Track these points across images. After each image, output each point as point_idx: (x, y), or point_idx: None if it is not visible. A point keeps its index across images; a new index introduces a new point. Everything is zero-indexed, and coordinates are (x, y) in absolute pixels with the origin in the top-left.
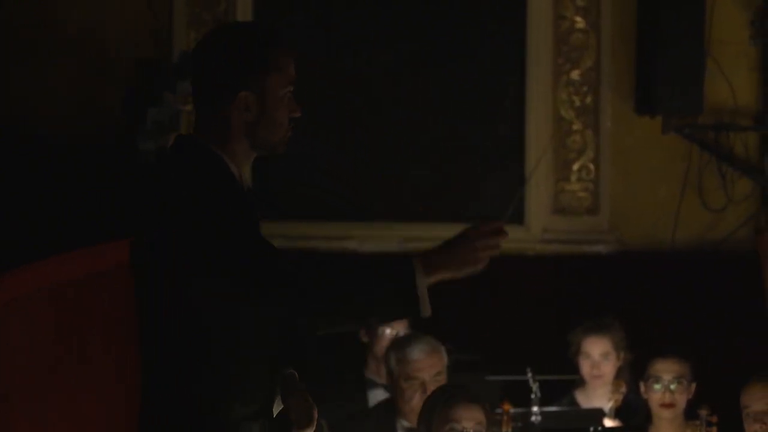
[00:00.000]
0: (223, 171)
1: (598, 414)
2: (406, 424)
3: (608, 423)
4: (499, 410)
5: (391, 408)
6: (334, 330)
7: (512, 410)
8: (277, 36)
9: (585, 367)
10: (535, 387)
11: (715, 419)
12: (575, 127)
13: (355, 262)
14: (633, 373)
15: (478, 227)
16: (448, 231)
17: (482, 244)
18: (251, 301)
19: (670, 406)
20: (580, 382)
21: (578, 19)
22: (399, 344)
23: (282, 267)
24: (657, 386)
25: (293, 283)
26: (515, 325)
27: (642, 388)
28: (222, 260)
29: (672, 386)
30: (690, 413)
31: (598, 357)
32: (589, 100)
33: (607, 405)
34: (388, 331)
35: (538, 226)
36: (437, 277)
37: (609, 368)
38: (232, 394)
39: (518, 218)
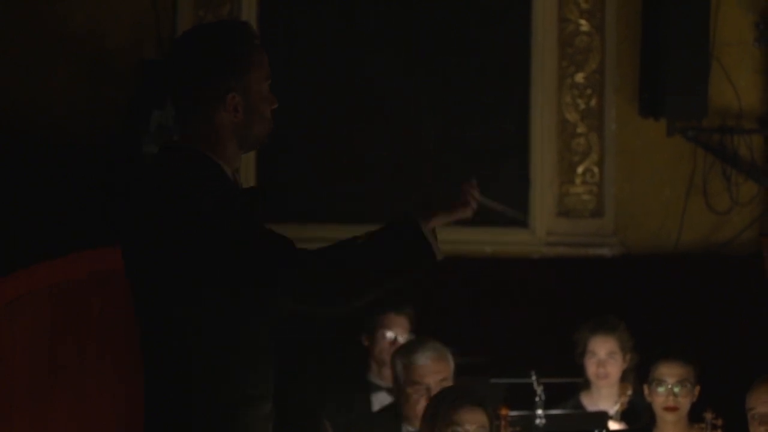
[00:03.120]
0: (219, 172)
1: (603, 417)
2: (410, 429)
3: (613, 426)
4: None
5: (396, 412)
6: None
7: (510, 414)
8: (249, 32)
9: (591, 367)
10: (539, 390)
11: (720, 422)
12: (580, 129)
13: (354, 237)
14: (637, 375)
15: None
16: (450, 233)
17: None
18: (273, 289)
19: (674, 409)
20: (584, 385)
21: (583, 21)
22: (405, 349)
23: (299, 253)
24: (661, 389)
25: (313, 264)
26: (519, 327)
27: (646, 391)
28: (236, 249)
29: (676, 389)
30: (694, 416)
31: (605, 356)
32: (593, 102)
33: (612, 408)
34: (388, 334)
35: (542, 229)
36: (435, 221)
37: (615, 368)
38: (234, 377)
39: (523, 221)
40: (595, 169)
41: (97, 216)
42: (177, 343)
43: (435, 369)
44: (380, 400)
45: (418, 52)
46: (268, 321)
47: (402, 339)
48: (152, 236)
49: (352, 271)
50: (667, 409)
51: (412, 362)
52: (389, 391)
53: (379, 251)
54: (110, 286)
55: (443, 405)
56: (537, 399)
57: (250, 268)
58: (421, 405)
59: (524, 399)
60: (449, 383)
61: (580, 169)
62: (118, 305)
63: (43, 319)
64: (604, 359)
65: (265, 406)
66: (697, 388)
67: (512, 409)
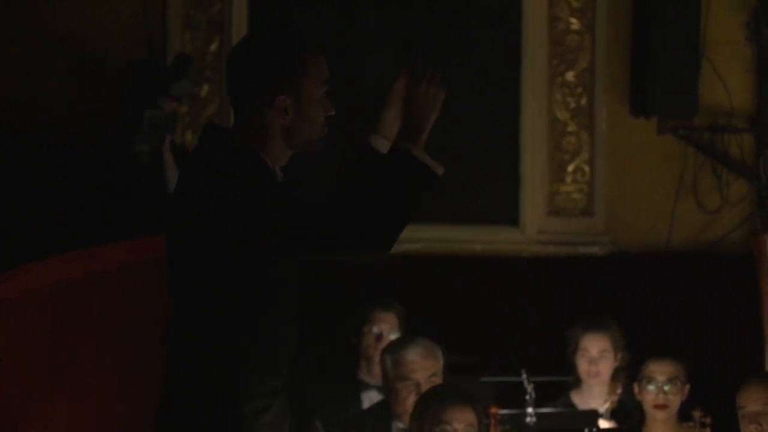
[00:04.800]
0: (261, 165)
1: (593, 415)
2: (401, 425)
3: (603, 424)
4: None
5: (386, 409)
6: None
7: (500, 413)
8: (308, 37)
9: (582, 365)
10: (530, 388)
11: (708, 420)
12: (570, 128)
13: (348, 181)
14: (627, 374)
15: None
16: (442, 232)
17: (426, 89)
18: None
19: (663, 407)
20: (575, 383)
21: (573, 20)
22: (395, 346)
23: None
24: (651, 387)
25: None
26: (510, 326)
27: (636, 389)
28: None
29: (666, 387)
30: (684, 415)
31: (597, 354)
32: (584, 101)
33: (602, 406)
34: (374, 329)
35: (533, 228)
36: (421, 137)
37: (606, 367)
38: (257, 369)
39: (513, 220)
40: (586, 168)
41: (96, 215)
42: (190, 341)
43: (424, 365)
44: (370, 398)
45: (408, 50)
46: (279, 316)
47: (389, 335)
48: (193, 221)
49: (376, 218)
50: (657, 407)
51: (401, 358)
52: (379, 389)
53: (387, 191)
54: (110, 286)
55: (431, 403)
56: (527, 397)
57: (290, 244)
58: (411, 401)
59: (515, 397)
60: (438, 379)
61: (570, 168)
62: (118, 305)
63: (43, 319)
64: (596, 357)
65: (279, 400)
66: (687, 387)
67: (503, 407)
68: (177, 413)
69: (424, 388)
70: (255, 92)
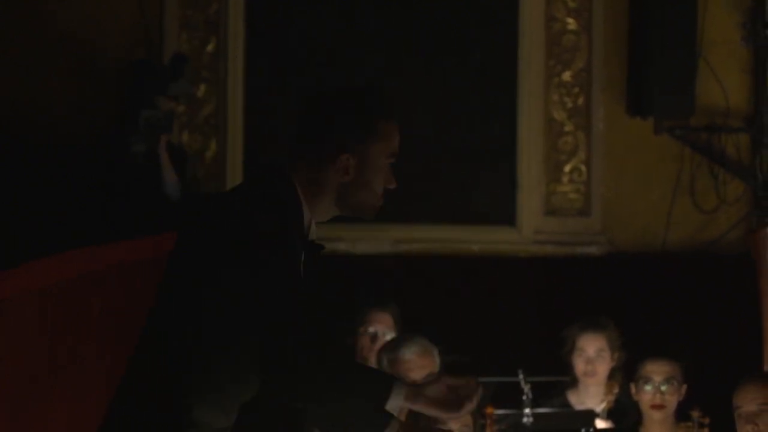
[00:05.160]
0: (296, 218)
1: (590, 415)
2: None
3: (600, 424)
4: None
5: None
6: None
7: (496, 413)
8: (387, 105)
9: (579, 365)
10: (526, 388)
11: (707, 420)
12: (567, 128)
13: (353, 367)
14: (624, 374)
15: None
16: (439, 232)
17: (461, 385)
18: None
19: (660, 407)
20: (572, 383)
21: (570, 20)
22: (391, 345)
23: (290, 345)
24: (648, 387)
25: (290, 368)
26: (507, 326)
27: (633, 389)
28: (254, 310)
29: (663, 387)
30: (681, 414)
31: (593, 353)
32: (580, 101)
33: (598, 406)
34: (369, 329)
35: (530, 228)
36: (416, 405)
37: (603, 367)
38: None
39: (510, 220)
40: (583, 168)
41: (94, 215)
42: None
43: (420, 364)
44: None
45: (405, 51)
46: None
47: (385, 336)
48: (200, 248)
49: (314, 398)
50: (654, 407)
51: (397, 357)
52: None
53: (345, 403)
54: (110, 286)
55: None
56: (524, 397)
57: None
58: None
59: (512, 397)
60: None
61: (567, 168)
62: (118, 305)
63: (43, 319)
64: (593, 357)
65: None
66: (684, 387)
67: (500, 407)
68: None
69: None
70: (322, 145)
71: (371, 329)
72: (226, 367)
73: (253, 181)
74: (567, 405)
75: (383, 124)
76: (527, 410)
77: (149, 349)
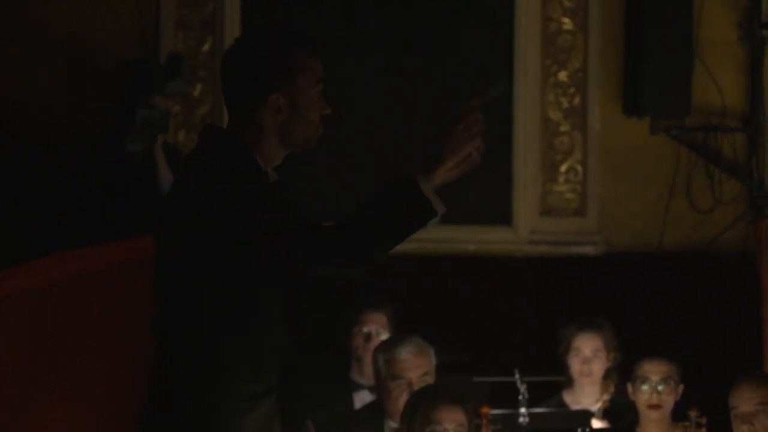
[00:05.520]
0: (252, 163)
1: (586, 415)
2: (393, 424)
3: (596, 424)
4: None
5: (379, 409)
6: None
7: (492, 413)
8: (302, 37)
9: (575, 365)
10: (522, 388)
11: (704, 420)
12: (563, 128)
13: (359, 203)
14: (620, 374)
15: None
16: (437, 231)
17: (463, 128)
18: (289, 262)
19: (657, 407)
20: (567, 383)
21: (566, 20)
22: (387, 345)
23: (310, 232)
24: (644, 387)
25: (317, 233)
26: (503, 326)
27: (629, 389)
28: (255, 235)
29: (659, 387)
30: (678, 414)
31: (589, 353)
32: (576, 101)
33: (594, 406)
34: (364, 329)
35: (525, 228)
36: (439, 177)
37: (599, 367)
38: (240, 372)
39: (506, 219)
40: (579, 168)
41: (93, 214)
42: (175, 341)
43: (416, 363)
44: (362, 398)
45: (401, 50)
46: (271, 318)
47: (379, 335)
48: (179, 218)
49: (359, 240)
50: (651, 406)
51: (393, 357)
52: (371, 389)
53: (382, 216)
54: (110, 286)
55: (422, 403)
56: (520, 397)
57: (268, 249)
58: (403, 400)
59: (508, 397)
60: (431, 378)
61: (563, 168)
62: (118, 305)
63: (43, 319)
64: (589, 357)
65: (263, 404)
66: (681, 387)
67: (496, 407)
68: (163, 413)
69: (417, 386)
70: (248, 90)
71: (365, 329)
72: (246, 315)
73: (194, 150)
74: (562, 405)
75: (302, 57)
76: (523, 410)
77: (170, 334)
